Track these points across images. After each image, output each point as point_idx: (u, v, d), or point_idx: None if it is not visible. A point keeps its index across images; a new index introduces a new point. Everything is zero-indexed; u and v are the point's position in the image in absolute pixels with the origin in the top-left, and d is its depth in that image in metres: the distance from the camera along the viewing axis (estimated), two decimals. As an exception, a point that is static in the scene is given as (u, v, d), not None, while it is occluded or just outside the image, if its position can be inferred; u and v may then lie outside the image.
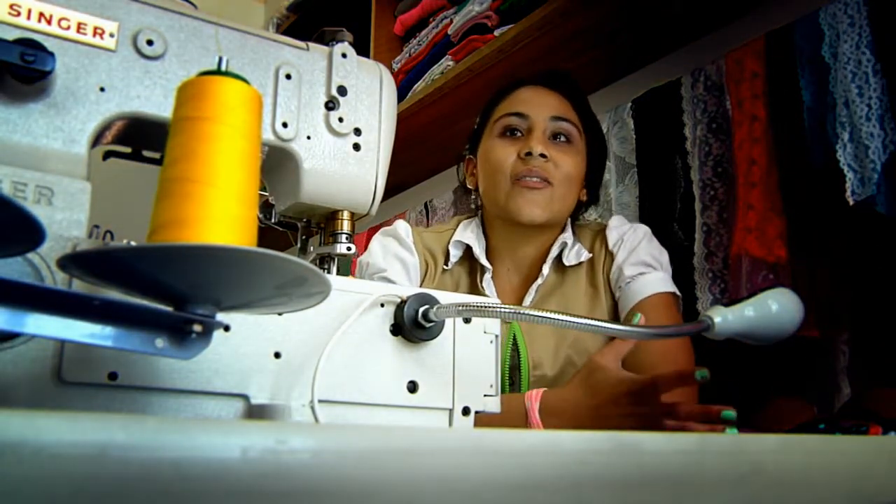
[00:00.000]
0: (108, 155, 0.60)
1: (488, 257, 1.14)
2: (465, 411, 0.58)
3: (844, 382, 1.15)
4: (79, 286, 0.43)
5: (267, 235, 0.52)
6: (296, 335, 0.52)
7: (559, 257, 1.12)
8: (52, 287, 0.39)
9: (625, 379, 0.82)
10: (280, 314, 0.51)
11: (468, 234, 1.15)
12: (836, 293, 1.15)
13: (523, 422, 0.86)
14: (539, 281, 1.11)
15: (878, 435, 0.69)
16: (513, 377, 1.07)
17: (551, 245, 1.12)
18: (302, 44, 0.61)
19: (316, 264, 0.60)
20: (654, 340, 0.97)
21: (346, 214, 0.63)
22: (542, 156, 1.06)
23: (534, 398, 0.87)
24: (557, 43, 1.48)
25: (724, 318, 0.60)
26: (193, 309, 0.38)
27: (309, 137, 0.59)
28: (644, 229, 1.14)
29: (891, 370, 1.09)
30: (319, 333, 0.52)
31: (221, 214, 0.38)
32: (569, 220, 1.15)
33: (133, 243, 0.38)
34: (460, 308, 0.55)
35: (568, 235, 1.13)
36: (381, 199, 0.64)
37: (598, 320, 0.54)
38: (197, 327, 0.38)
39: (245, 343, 0.50)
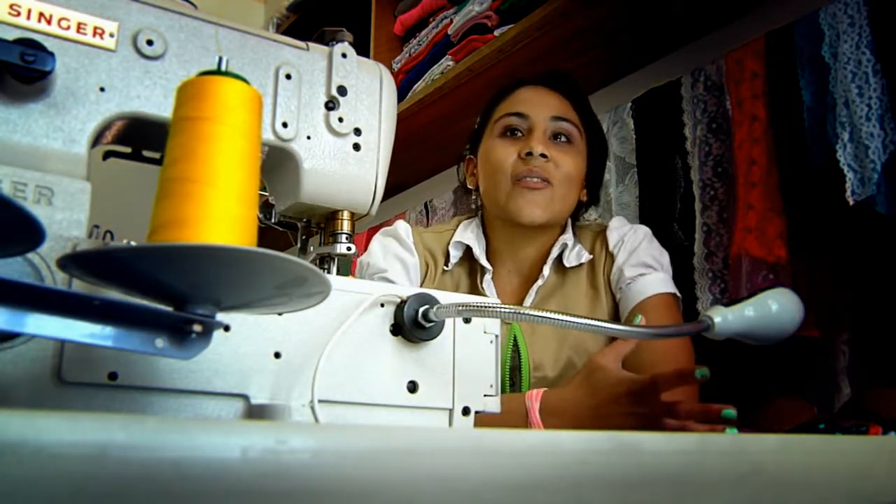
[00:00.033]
0: (108, 155, 0.60)
1: (488, 258, 1.13)
2: (465, 411, 0.58)
3: (844, 382, 1.15)
4: (79, 286, 0.43)
5: (267, 235, 0.52)
6: (296, 335, 0.52)
7: (559, 258, 1.12)
8: (52, 287, 0.39)
9: (625, 379, 0.82)
10: (280, 314, 0.51)
11: (468, 234, 1.15)
12: (836, 293, 1.15)
13: (523, 422, 0.86)
14: (539, 282, 1.10)
15: (878, 435, 0.69)
16: (513, 378, 1.07)
17: (552, 246, 1.12)
18: (302, 44, 0.61)
19: (316, 264, 0.60)
20: (655, 341, 0.97)
21: (346, 214, 0.63)
22: (543, 156, 1.06)
23: (534, 398, 0.87)
24: (557, 43, 1.48)
25: (724, 318, 0.60)
26: (193, 309, 0.38)
27: (309, 137, 0.59)
28: (644, 230, 1.13)
29: (891, 370, 1.09)
30: (319, 333, 0.52)
31: (221, 214, 0.38)
32: (569, 220, 1.15)
33: (133, 243, 0.38)
34: (460, 308, 0.55)
35: (568, 236, 1.13)
36: (381, 199, 0.64)
37: (599, 320, 0.54)
38: (197, 327, 0.38)
39: (245, 343, 0.50)
